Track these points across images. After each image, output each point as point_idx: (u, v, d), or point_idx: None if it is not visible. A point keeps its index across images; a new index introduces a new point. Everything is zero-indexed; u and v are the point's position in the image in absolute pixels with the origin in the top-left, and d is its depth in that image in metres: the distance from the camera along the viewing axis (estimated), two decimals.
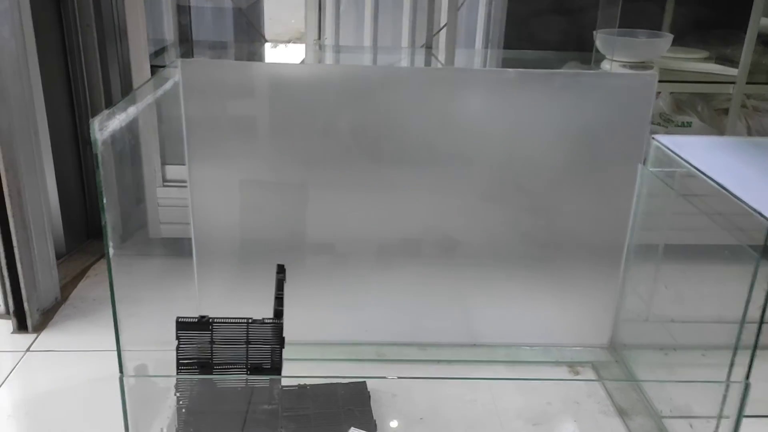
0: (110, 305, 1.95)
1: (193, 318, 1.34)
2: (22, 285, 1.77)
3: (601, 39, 2.26)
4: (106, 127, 1.02)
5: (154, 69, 1.98)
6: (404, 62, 2.72)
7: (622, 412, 1.57)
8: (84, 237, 2.32)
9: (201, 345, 1.32)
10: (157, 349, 1.75)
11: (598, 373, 1.73)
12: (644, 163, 1.62)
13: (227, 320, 1.33)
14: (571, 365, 1.73)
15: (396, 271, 1.77)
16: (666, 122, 2.31)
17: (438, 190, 1.69)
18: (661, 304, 1.71)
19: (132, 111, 1.14)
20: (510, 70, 1.61)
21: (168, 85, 1.42)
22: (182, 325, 1.33)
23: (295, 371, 1.56)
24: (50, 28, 2.05)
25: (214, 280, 1.72)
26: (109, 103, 2.22)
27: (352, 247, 1.76)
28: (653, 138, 1.60)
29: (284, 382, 1.46)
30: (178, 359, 1.34)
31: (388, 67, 2.26)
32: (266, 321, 1.33)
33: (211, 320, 1.32)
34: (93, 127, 0.98)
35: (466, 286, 1.78)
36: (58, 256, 2.18)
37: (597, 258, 1.75)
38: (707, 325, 1.61)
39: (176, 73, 1.46)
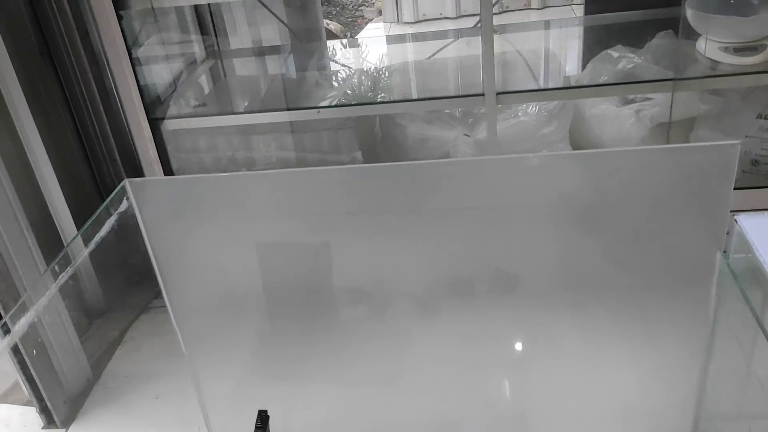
0: (144, 383, 1.90)
1: None
2: (37, 381, 1.71)
3: (692, 15, 1.76)
4: None
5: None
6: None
7: None
8: (125, 285, 2.23)
9: None
10: None
11: None
12: (725, 252, 1.22)
13: None
14: None
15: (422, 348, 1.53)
16: None
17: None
18: (755, 399, 1.36)
19: None
20: (573, 153, 1.27)
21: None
22: None
23: None
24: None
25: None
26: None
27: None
28: (735, 221, 1.19)
29: None
30: None
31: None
32: None
33: None
34: None
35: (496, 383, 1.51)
36: (98, 314, 2.12)
37: (676, 346, 1.40)
38: None
39: None
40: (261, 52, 2.57)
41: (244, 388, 1.62)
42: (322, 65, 2.54)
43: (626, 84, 1.74)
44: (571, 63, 2.32)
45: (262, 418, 1.24)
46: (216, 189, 1.37)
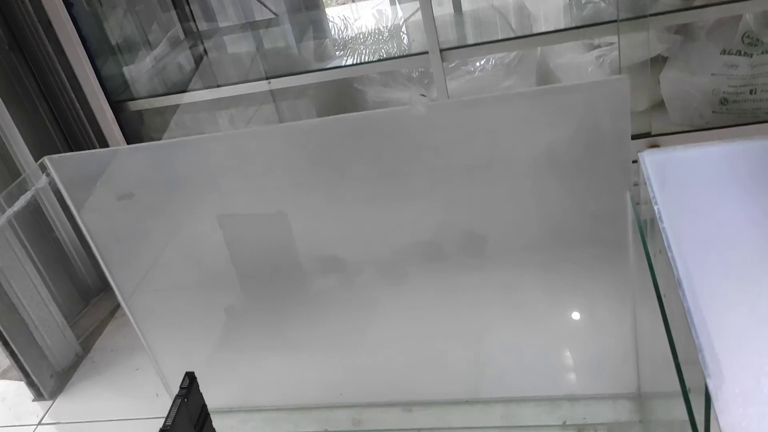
0: (128, 356, 1.98)
1: None
2: (21, 358, 1.81)
3: None
4: None
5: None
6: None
7: None
8: None
9: None
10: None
11: None
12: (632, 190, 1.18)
13: None
14: (582, 429, 1.40)
15: (373, 309, 1.54)
16: (751, 47, 1.68)
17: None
18: (688, 342, 1.31)
19: None
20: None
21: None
22: None
23: None
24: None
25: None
26: None
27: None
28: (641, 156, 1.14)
29: None
30: None
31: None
32: None
33: None
34: None
35: (451, 329, 1.50)
36: (95, 293, 2.22)
37: (606, 290, 1.37)
38: None
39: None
40: (246, 27, 2.59)
41: (215, 356, 1.67)
42: (311, 35, 2.55)
43: (569, 30, 1.68)
44: (551, 12, 2.25)
45: (190, 378, 1.28)
46: (146, 159, 1.41)
